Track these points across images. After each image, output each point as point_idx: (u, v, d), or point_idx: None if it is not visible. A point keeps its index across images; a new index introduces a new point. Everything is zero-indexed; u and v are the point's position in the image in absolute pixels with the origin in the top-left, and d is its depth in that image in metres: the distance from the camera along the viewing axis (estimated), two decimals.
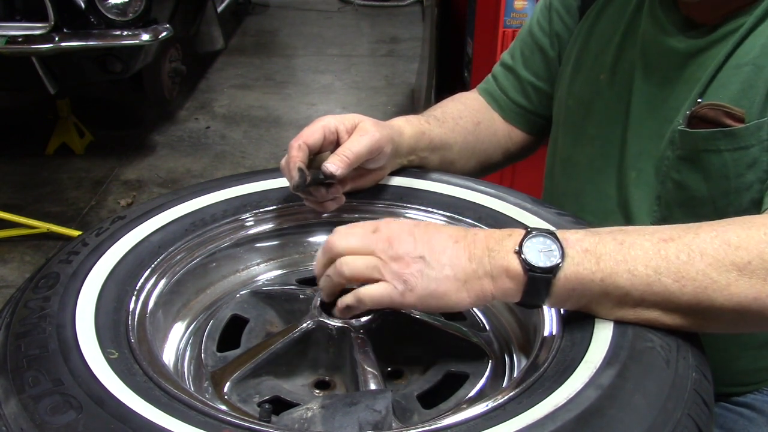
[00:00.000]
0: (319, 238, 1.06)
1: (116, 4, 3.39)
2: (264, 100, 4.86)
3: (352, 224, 0.83)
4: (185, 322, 0.93)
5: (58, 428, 0.60)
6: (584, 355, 0.70)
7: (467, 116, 1.24)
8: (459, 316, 0.93)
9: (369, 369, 0.78)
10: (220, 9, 4.89)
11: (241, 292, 0.96)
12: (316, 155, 0.98)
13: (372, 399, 0.71)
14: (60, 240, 3.07)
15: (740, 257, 0.69)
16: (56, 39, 3.27)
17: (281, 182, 1.02)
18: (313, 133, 0.97)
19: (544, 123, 1.30)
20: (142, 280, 0.85)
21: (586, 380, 0.66)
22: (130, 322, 0.78)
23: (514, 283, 0.74)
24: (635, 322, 0.73)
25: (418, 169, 1.11)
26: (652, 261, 0.71)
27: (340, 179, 0.97)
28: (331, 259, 0.80)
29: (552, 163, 1.26)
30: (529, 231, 0.74)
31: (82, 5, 3.33)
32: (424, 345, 0.87)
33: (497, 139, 1.29)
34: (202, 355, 0.85)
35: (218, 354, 0.86)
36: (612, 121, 1.10)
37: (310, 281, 0.99)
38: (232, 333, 0.89)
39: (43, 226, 3.09)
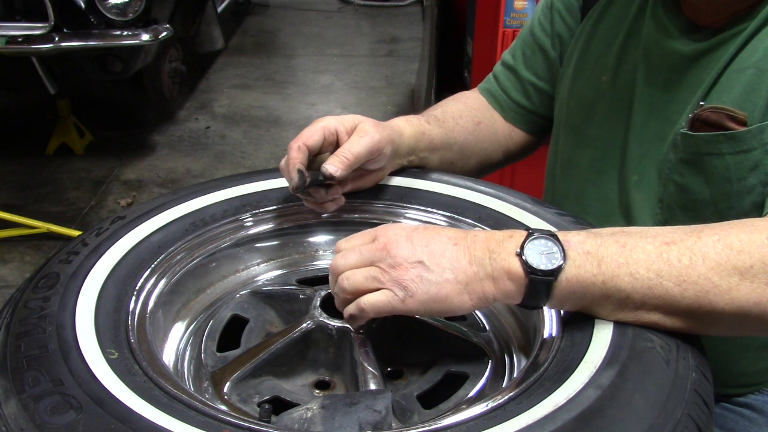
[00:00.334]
0: (319, 238, 1.06)
1: (116, 4, 3.39)
2: (264, 100, 4.86)
3: (352, 236, 0.83)
4: (185, 322, 0.93)
5: (58, 428, 0.60)
6: (584, 355, 0.70)
7: (468, 116, 1.24)
8: (459, 316, 0.93)
9: (369, 369, 0.78)
10: (220, 9, 4.89)
11: (241, 292, 0.96)
12: (315, 156, 0.98)
13: (372, 399, 0.71)
14: (60, 240, 3.07)
15: (742, 261, 0.69)
16: (56, 39, 3.27)
17: (281, 182, 1.02)
18: (312, 135, 0.96)
19: (545, 123, 1.30)
20: (142, 280, 0.85)
21: (586, 380, 0.66)
22: (130, 322, 0.78)
23: (515, 285, 0.74)
24: (635, 324, 0.73)
25: (418, 169, 1.11)
26: (654, 264, 0.71)
27: (340, 180, 0.97)
28: (336, 279, 0.81)
29: (553, 164, 1.26)
30: (530, 233, 0.74)
31: (82, 5, 3.33)
32: (424, 345, 0.87)
33: (497, 139, 1.29)
34: (202, 355, 0.85)
35: (218, 354, 0.86)
36: (613, 123, 1.10)
37: (310, 281, 1.00)
38: (232, 333, 0.89)
39: (43, 226, 3.09)
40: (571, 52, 1.20)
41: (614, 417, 0.62)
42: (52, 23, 3.28)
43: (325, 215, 1.04)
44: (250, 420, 0.67)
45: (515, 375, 0.84)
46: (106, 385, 0.66)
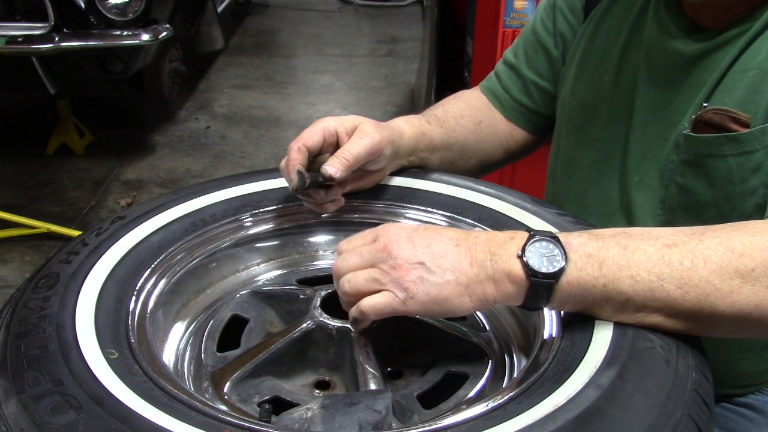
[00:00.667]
0: (319, 238, 1.06)
1: (116, 4, 3.39)
2: (264, 100, 4.86)
3: (353, 237, 0.83)
4: (185, 322, 0.93)
5: (58, 428, 0.60)
6: (584, 355, 0.70)
7: (469, 115, 1.24)
8: (459, 317, 0.93)
9: (369, 369, 0.78)
10: (220, 9, 4.89)
11: (241, 292, 0.96)
12: (315, 157, 0.98)
13: (372, 399, 0.71)
14: (60, 240, 3.07)
15: (744, 264, 0.69)
16: (56, 39, 3.27)
17: (281, 182, 1.02)
18: (312, 135, 0.96)
19: (546, 122, 1.29)
20: (142, 280, 0.85)
21: (586, 380, 0.66)
22: (130, 322, 0.78)
23: (516, 287, 0.74)
24: (636, 326, 0.73)
25: (419, 170, 1.11)
26: (656, 267, 0.70)
27: (340, 181, 0.97)
28: (339, 281, 0.81)
29: (555, 164, 1.26)
30: (532, 234, 0.74)
31: (82, 5, 3.33)
32: (424, 345, 0.87)
33: (498, 138, 1.28)
34: (202, 355, 0.85)
35: (218, 354, 0.86)
36: (615, 123, 1.10)
37: (310, 281, 1.00)
38: (232, 333, 0.89)
39: (43, 226, 3.09)
40: (574, 52, 1.20)
41: (614, 417, 0.62)
42: (52, 23, 3.28)
43: (325, 215, 1.04)
44: (250, 420, 0.67)
45: (515, 375, 0.84)
46: (106, 385, 0.66)
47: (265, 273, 1.03)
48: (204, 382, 0.82)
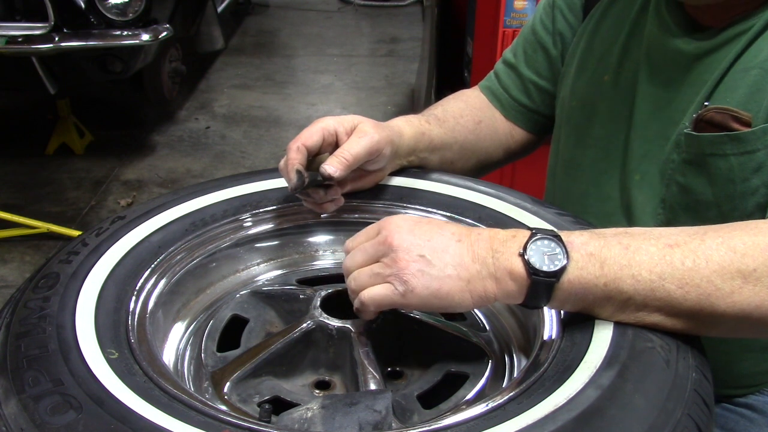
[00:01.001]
0: (319, 238, 1.06)
1: (116, 4, 3.39)
2: (264, 100, 4.86)
3: (358, 234, 0.83)
4: (185, 322, 0.93)
5: (58, 428, 0.60)
6: (584, 356, 0.70)
7: (468, 115, 1.24)
8: (459, 316, 0.93)
9: (369, 369, 0.78)
10: (220, 9, 4.89)
11: (241, 292, 0.96)
12: (315, 157, 0.98)
13: (372, 399, 0.71)
14: (60, 240, 3.07)
15: (746, 264, 0.69)
16: (56, 39, 3.27)
17: (281, 182, 1.02)
18: (311, 135, 0.96)
19: (546, 122, 1.29)
20: (142, 280, 0.85)
21: (586, 380, 0.66)
22: (130, 322, 0.78)
23: (517, 285, 0.74)
24: (636, 325, 0.73)
25: (418, 169, 1.11)
26: (657, 266, 0.70)
27: (339, 181, 0.97)
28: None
29: (555, 164, 1.26)
30: (534, 233, 0.74)
31: (82, 5, 3.33)
32: (424, 345, 0.87)
33: (498, 138, 1.28)
34: (202, 355, 0.85)
35: (218, 354, 0.86)
36: (616, 122, 1.10)
37: (310, 281, 1.00)
38: (232, 333, 0.89)
39: (43, 226, 3.09)
40: (573, 51, 1.20)
41: (614, 417, 0.62)
42: (52, 23, 3.28)
43: (324, 215, 1.04)
44: (250, 420, 0.67)
45: (515, 375, 0.84)
46: (106, 385, 0.66)
47: (265, 273, 1.03)
48: (204, 382, 0.82)
